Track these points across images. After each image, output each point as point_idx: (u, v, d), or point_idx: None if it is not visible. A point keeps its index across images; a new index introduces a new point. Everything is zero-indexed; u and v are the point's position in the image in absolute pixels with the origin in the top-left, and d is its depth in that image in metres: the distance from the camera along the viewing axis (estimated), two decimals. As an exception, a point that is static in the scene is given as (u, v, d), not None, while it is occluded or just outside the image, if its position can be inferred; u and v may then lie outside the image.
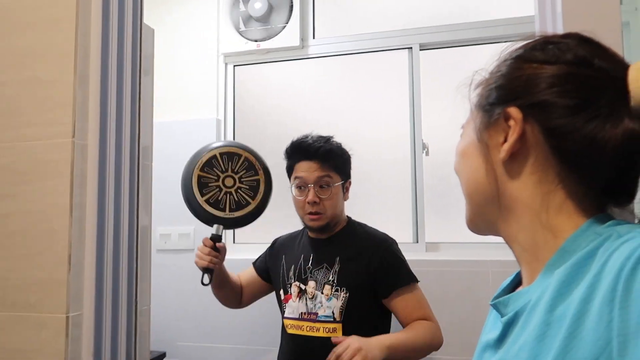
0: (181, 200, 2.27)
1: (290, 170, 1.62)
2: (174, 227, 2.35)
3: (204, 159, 1.49)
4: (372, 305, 1.50)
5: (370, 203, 2.19)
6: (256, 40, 2.29)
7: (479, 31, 2.11)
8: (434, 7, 2.19)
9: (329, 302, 1.48)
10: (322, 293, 1.50)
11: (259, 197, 1.50)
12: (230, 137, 2.38)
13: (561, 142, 0.51)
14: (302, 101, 2.32)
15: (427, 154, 2.15)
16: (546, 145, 0.52)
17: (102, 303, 1.02)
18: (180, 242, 2.35)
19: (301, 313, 1.52)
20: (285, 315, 1.57)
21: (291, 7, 2.26)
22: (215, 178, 1.48)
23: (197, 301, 2.27)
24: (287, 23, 2.25)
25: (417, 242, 2.12)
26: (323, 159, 1.54)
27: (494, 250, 2.00)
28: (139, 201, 1.14)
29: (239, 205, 1.48)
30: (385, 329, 1.55)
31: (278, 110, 2.35)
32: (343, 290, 1.47)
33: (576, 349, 0.42)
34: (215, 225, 1.48)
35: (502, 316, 0.56)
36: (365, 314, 1.49)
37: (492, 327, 0.60)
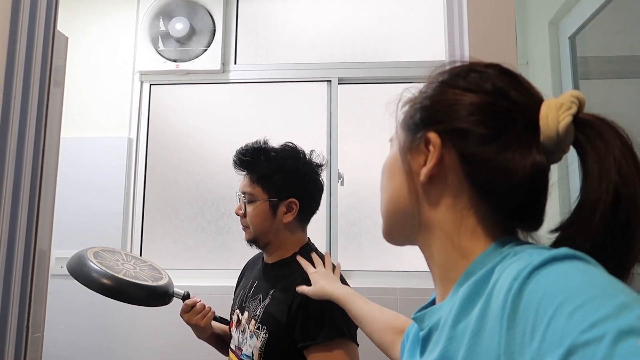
0: (82, 221, 2.16)
1: None
2: (73, 250, 2.18)
3: (90, 252, 1.35)
4: (296, 354, 1.19)
5: (284, 230, 2.20)
6: (175, 61, 2.26)
7: (394, 70, 2.24)
8: (353, 45, 2.30)
9: (251, 340, 1.25)
10: (248, 328, 1.27)
11: (165, 274, 1.45)
12: (142, 158, 2.29)
13: (474, 169, 0.53)
14: (220, 125, 2.30)
15: (342, 183, 2.21)
16: (461, 171, 0.54)
17: (-13, 329, 0.92)
18: (80, 266, 2.19)
19: (235, 345, 1.32)
20: (229, 343, 1.39)
21: (213, 30, 2.26)
22: (115, 261, 1.38)
23: (94, 332, 2.12)
24: (208, 46, 2.25)
25: (329, 269, 2.15)
26: (247, 170, 1.35)
27: (402, 278, 2.08)
28: (38, 214, 1.06)
29: (155, 279, 1.40)
30: None
31: (195, 132, 2.30)
32: (263, 330, 1.22)
33: None
34: (172, 291, 1.41)
35: (420, 330, 0.58)
36: None
37: (415, 339, 0.62)
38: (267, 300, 1.26)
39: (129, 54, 2.30)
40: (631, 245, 0.47)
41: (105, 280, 1.26)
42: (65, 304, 2.11)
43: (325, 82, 2.28)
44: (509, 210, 0.54)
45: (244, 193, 1.33)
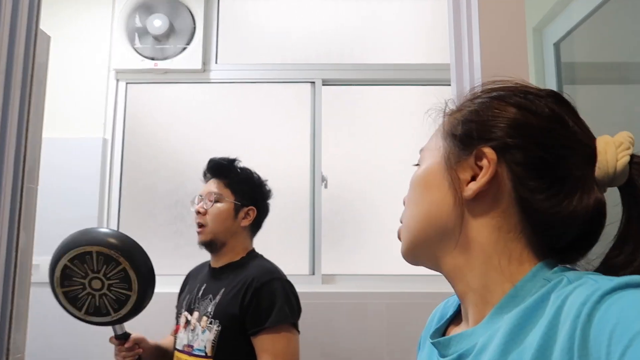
0: (53, 226, 2.05)
1: None
2: (43, 256, 2.06)
3: (78, 251, 1.33)
4: (245, 343, 1.40)
5: (267, 234, 2.15)
6: (153, 59, 2.17)
7: (379, 73, 2.22)
8: (338, 45, 2.26)
9: (203, 335, 1.41)
10: (200, 325, 1.43)
11: (122, 312, 1.39)
12: (117, 159, 2.19)
13: (529, 194, 0.51)
14: (200, 126, 2.23)
15: (325, 186, 2.18)
16: (512, 192, 0.51)
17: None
18: (51, 273, 2.08)
19: (184, 345, 1.45)
20: (175, 346, 1.51)
21: (194, 28, 2.18)
22: (82, 275, 1.34)
23: (67, 344, 2.01)
24: (188, 44, 2.17)
25: (314, 274, 2.12)
26: (218, 175, 1.56)
27: (387, 282, 2.07)
28: (19, 229, 0.98)
29: (97, 312, 1.37)
30: None
31: (174, 133, 2.22)
32: (216, 323, 1.39)
33: None
34: (113, 327, 1.41)
35: (442, 356, 0.54)
36: (237, 351, 1.40)
37: None
38: (218, 298, 1.43)
39: (104, 51, 2.19)
40: None
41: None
42: (37, 314, 1.99)
43: (309, 84, 2.24)
44: (562, 244, 0.52)
45: (212, 193, 1.52)
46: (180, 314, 1.52)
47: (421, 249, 0.58)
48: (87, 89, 2.17)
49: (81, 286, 1.34)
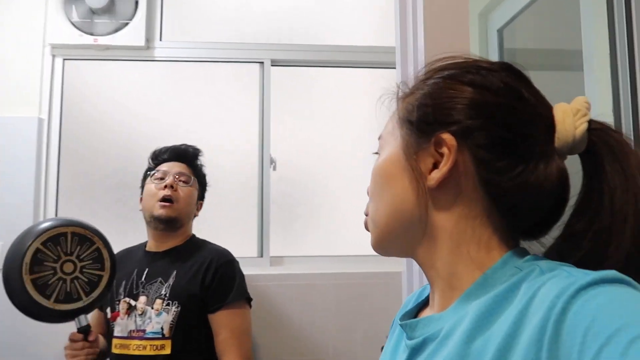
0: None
1: (150, 171, 1.60)
2: (-26, 242, 1.96)
3: (52, 232, 1.29)
4: (203, 322, 1.48)
5: (214, 216, 2.11)
6: (93, 34, 2.06)
7: (331, 54, 2.21)
8: (288, 25, 2.23)
9: (158, 318, 1.43)
10: (152, 308, 1.45)
11: (94, 294, 1.34)
12: (55, 140, 2.08)
13: (494, 176, 0.49)
14: (144, 106, 2.14)
15: (274, 168, 2.16)
16: (476, 177, 0.50)
17: None
18: (-17, 260, 1.96)
19: (130, 331, 1.46)
20: (114, 334, 1.48)
21: (136, 2, 2.08)
22: (55, 258, 1.29)
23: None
24: (131, 20, 2.07)
25: (262, 256, 2.11)
26: (188, 161, 1.62)
27: (336, 263, 2.09)
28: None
29: (67, 298, 1.30)
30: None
31: (116, 113, 2.13)
32: (175, 304, 1.44)
33: None
34: (77, 318, 1.31)
35: (408, 338, 0.54)
36: (196, 331, 1.46)
37: (396, 345, 0.58)
38: (172, 280, 1.47)
39: (38, 24, 2.05)
40: None
41: (10, 261, 1.26)
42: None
43: (258, 64, 2.20)
44: (530, 223, 0.51)
45: (187, 175, 1.58)
46: (119, 300, 1.50)
47: (389, 242, 0.57)
48: (20, 65, 2.04)
49: (52, 271, 1.28)
